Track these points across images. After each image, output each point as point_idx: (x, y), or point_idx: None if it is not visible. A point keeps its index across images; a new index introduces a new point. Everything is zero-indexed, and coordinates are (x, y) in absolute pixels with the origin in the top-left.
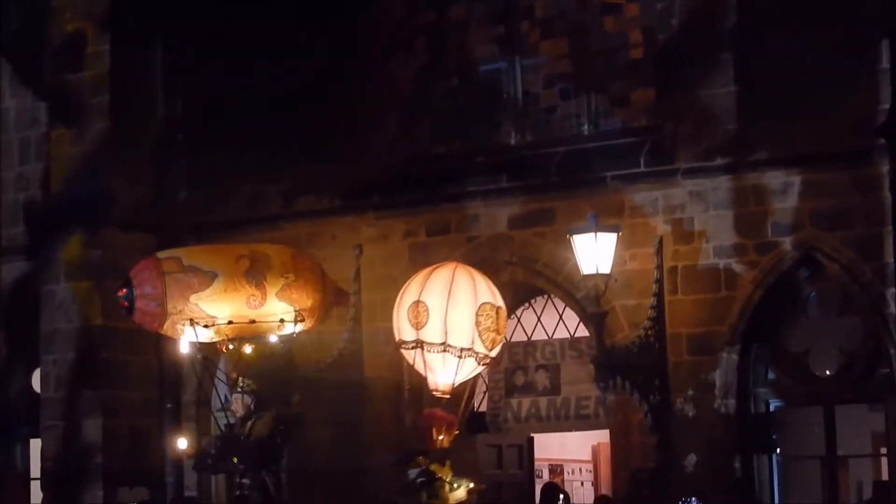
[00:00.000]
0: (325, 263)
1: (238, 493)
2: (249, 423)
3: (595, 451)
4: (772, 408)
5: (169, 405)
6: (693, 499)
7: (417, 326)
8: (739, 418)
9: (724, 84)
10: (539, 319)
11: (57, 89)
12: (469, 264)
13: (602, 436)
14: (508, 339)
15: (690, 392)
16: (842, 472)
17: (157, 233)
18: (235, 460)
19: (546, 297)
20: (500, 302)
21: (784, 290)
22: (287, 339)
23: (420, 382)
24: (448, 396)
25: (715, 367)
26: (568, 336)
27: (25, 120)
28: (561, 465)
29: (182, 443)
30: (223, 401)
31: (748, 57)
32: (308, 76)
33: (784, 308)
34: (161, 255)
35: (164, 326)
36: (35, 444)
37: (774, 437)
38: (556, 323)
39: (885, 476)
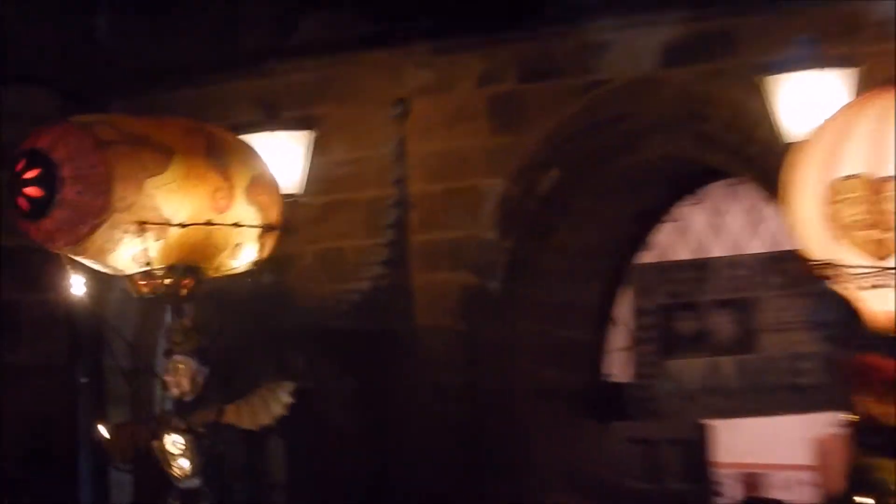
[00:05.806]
0: (347, 130)
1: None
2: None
3: (821, 450)
4: None
5: (84, 379)
6: None
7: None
8: None
9: None
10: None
11: None
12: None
13: (831, 423)
14: None
15: None
16: None
17: (67, 89)
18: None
19: (724, 181)
20: None
21: None
22: (243, 277)
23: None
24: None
25: None
26: (765, 249)
27: None
28: (761, 475)
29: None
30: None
31: None
32: None
33: None
34: (82, 118)
35: (95, 235)
36: None
37: None
38: (740, 226)
39: None
